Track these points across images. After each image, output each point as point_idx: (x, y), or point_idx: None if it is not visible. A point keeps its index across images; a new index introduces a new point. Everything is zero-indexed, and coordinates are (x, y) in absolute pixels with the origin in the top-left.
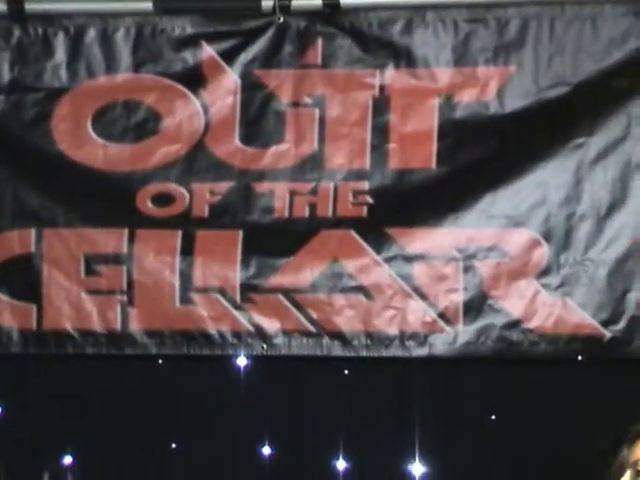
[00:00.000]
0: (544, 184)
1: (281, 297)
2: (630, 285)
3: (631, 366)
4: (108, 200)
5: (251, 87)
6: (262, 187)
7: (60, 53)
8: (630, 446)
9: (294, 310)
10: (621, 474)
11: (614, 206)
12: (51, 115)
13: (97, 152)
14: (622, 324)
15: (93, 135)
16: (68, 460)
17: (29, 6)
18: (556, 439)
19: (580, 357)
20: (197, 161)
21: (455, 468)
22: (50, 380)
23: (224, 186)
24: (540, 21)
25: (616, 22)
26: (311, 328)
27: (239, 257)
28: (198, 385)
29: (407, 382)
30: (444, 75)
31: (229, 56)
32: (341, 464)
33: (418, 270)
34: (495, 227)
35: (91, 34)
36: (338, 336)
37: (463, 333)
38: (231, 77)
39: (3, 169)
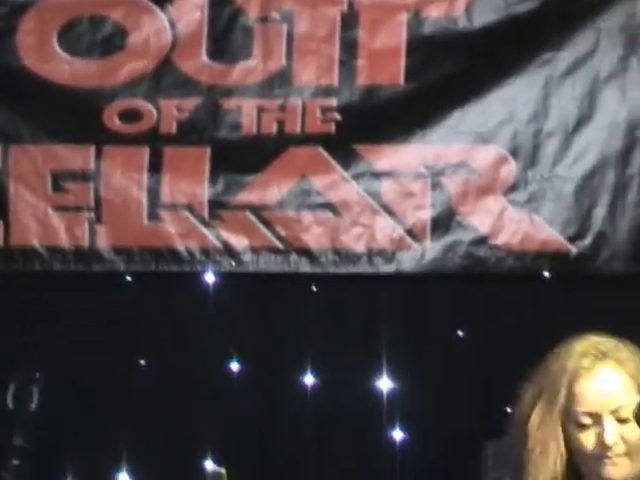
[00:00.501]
0: (512, 100)
1: (249, 214)
2: (596, 201)
3: (597, 282)
4: (75, 116)
5: (219, 2)
6: (230, 103)
7: None
8: (579, 382)
9: (262, 227)
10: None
11: (582, 122)
12: (16, 30)
13: (63, 68)
14: (588, 240)
15: (59, 50)
16: (35, 375)
17: None
18: (523, 354)
19: (547, 273)
20: (164, 77)
21: (423, 383)
22: (17, 297)
23: (192, 102)
24: None
25: None
26: (279, 245)
27: (207, 174)
28: (166, 302)
29: (375, 299)
30: None
31: None
32: (309, 379)
33: (386, 187)
34: (463, 143)
35: None
36: (306, 253)
37: (431, 249)
38: None
39: None
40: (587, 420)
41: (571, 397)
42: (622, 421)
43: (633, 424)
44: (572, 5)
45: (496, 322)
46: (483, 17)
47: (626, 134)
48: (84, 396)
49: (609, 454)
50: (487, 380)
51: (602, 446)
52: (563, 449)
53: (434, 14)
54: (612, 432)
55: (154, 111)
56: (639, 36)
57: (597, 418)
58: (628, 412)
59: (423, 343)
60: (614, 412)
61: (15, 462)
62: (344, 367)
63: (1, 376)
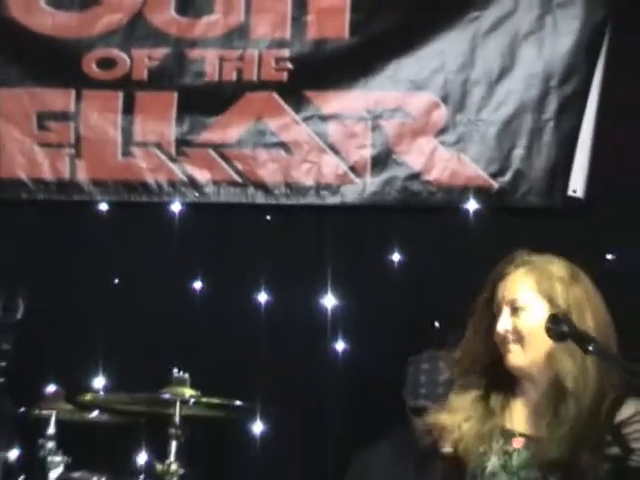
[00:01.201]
0: (443, 52)
1: (211, 151)
2: (515, 142)
3: (516, 213)
4: (57, 63)
5: None
6: (194, 54)
7: None
8: (500, 283)
9: (222, 163)
10: (485, 309)
11: (503, 73)
12: None
13: (47, 19)
14: (508, 177)
15: (43, 4)
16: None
17: None
18: (449, 275)
19: (471, 206)
20: (137, 29)
21: (363, 300)
22: (6, 222)
23: (161, 52)
24: None
25: None
26: (237, 179)
27: (174, 116)
28: (137, 228)
29: (321, 227)
30: None
31: None
32: (263, 297)
33: (332, 128)
34: (400, 90)
35: None
36: (261, 186)
37: (370, 184)
38: None
39: None
40: (497, 309)
41: (494, 293)
42: (516, 311)
43: (527, 317)
44: None
45: (427, 248)
46: None
47: (541, 84)
48: (64, 308)
49: (504, 341)
50: (419, 297)
51: (498, 333)
52: (483, 335)
53: None
54: (503, 320)
55: (127, 59)
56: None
57: (500, 309)
58: (522, 304)
59: (363, 266)
60: (511, 302)
61: (2, 364)
62: (294, 286)
63: None
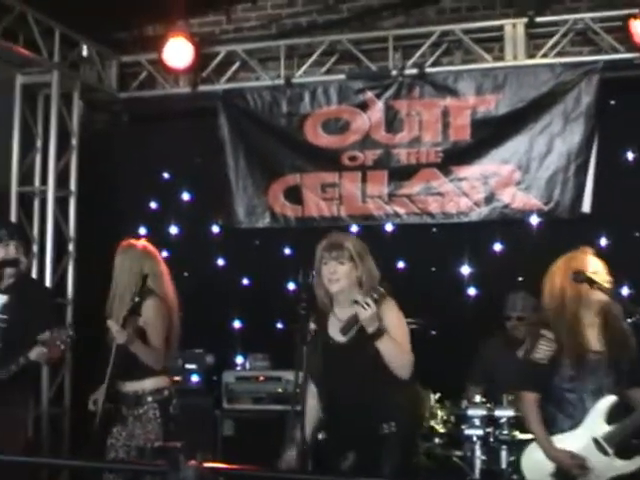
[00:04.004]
0: (517, 145)
1: (405, 199)
2: (554, 188)
3: (556, 222)
4: (329, 160)
5: (388, 108)
6: (395, 151)
7: (307, 98)
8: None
9: (410, 204)
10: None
11: (547, 153)
12: (303, 125)
13: (323, 139)
14: (552, 204)
15: (321, 132)
16: None
17: (294, 80)
18: (527, 252)
19: (534, 219)
20: (366, 141)
21: (479, 257)
22: (308, 241)
23: (378, 152)
24: (509, 74)
25: (551, 74)
26: (417, 211)
27: (386, 182)
28: (369, 239)
29: (460, 232)
30: (471, 100)
31: (379, 95)
32: (430, 267)
33: (464, 184)
34: (496, 164)
35: (319, 90)
36: (429, 214)
37: (484, 211)
38: (379, 104)
39: (288, 150)
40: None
41: None
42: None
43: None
44: (541, 102)
45: (514, 241)
46: (502, 110)
47: (566, 159)
48: None
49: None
50: (510, 263)
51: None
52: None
53: (482, 109)
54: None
55: (362, 156)
56: (569, 115)
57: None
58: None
59: (482, 248)
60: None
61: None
62: (444, 257)
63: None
